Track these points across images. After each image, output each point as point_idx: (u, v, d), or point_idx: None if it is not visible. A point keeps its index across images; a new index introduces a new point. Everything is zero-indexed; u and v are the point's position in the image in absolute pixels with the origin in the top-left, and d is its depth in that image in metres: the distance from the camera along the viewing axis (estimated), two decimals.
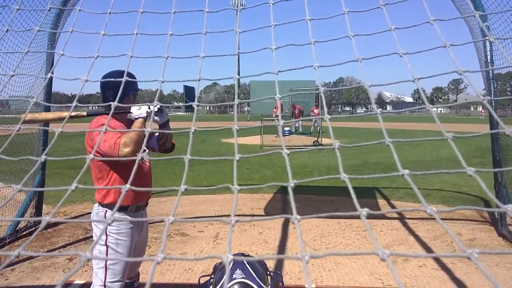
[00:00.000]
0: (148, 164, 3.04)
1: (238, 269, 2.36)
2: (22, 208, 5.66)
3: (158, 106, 2.73)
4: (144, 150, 3.06)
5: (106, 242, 2.72)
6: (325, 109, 1.00)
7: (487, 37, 0.99)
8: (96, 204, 2.87)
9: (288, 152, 0.93)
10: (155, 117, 2.76)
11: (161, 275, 4.32)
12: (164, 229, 0.78)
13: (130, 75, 2.90)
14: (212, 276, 2.65)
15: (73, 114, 2.70)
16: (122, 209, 2.77)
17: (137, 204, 2.87)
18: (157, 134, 2.99)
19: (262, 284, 2.29)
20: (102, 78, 2.84)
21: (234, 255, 2.56)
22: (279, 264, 4.63)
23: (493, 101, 5.32)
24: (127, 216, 2.79)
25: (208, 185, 9.07)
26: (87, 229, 5.93)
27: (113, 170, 2.76)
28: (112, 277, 2.71)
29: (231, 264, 2.45)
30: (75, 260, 4.68)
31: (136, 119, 2.68)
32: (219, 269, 2.62)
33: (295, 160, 12.97)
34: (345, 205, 7.17)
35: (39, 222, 6.03)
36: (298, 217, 0.74)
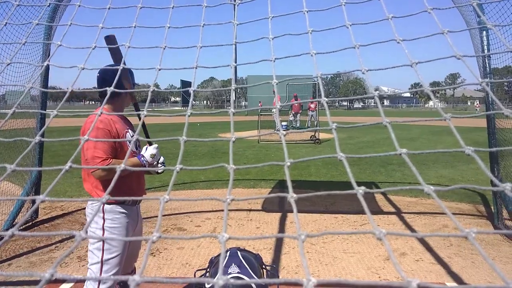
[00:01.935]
0: None
1: (233, 264, 2.36)
2: (19, 201, 5.65)
3: (162, 168, 2.85)
4: (139, 146, 3.06)
5: (103, 235, 2.73)
6: (322, 93, 1.00)
7: (485, 24, 0.98)
8: (90, 202, 2.88)
9: (284, 133, 0.93)
10: (153, 170, 2.84)
11: (158, 270, 4.33)
12: (159, 209, 0.78)
13: (125, 69, 2.88)
14: (208, 269, 2.66)
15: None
16: (119, 203, 2.77)
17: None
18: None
19: (257, 279, 2.29)
20: (98, 73, 2.83)
21: (231, 249, 2.57)
22: (276, 258, 4.64)
23: (490, 96, 5.33)
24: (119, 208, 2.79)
25: (205, 179, 9.07)
26: (84, 224, 5.92)
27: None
28: (108, 272, 2.71)
29: (227, 254, 2.46)
30: (73, 255, 4.68)
31: (139, 158, 2.80)
32: (214, 263, 2.63)
33: (292, 155, 12.98)
34: (342, 199, 7.18)
35: (36, 217, 6.03)
36: (294, 195, 0.74)
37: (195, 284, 2.43)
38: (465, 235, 0.60)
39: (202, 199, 0.91)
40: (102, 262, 2.70)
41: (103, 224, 2.73)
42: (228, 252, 2.52)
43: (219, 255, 2.58)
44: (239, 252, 2.50)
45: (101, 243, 2.71)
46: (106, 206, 2.74)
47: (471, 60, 6.03)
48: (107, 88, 1.10)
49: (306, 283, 0.59)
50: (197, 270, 2.89)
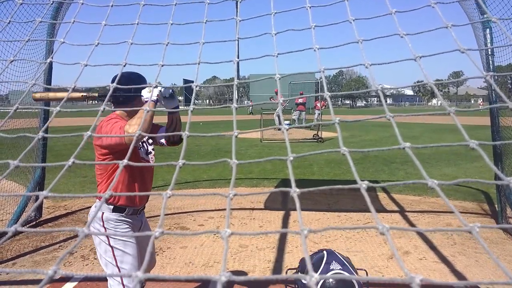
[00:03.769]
0: (151, 167, 2.99)
1: (334, 261, 2.36)
2: (23, 201, 5.67)
3: (170, 91, 2.57)
4: (150, 152, 2.99)
5: (109, 243, 2.67)
6: (325, 87, 1.00)
7: (488, 18, 0.98)
8: (94, 205, 2.86)
9: (287, 127, 0.93)
10: (164, 102, 2.60)
11: (162, 269, 4.33)
12: (162, 205, 0.78)
13: (140, 77, 2.82)
14: (298, 268, 2.68)
15: (84, 94, 2.58)
16: (118, 210, 2.72)
17: (134, 208, 2.80)
18: (164, 126, 2.90)
19: (356, 275, 2.27)
20: (112, 80, 2.72)
21: (326, 249, 2.54)
22: (280, 257, 4.64)
23: (493, 93, 5.31)
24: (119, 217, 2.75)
25: (208, 178, 9.07)
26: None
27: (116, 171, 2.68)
28: (130, 282, 2.63)
29: (324, 253, 2.46)
30: (76, 254, 4.69)
31: (146, 101, 2.53)
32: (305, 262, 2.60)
33: (295, 154, 12.94)
34: (345, 197, 7.17)
35: (40, 216, 6.04)
36: (297, 190, 0.74)
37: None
38: (469, 229, 0.60)
39: (204, 195, 0.91)
40: (118, 268, 2.64)
41: (109, 239, 2.67)
42: (325, 251, 2.51)
43: (311, 255, 2.57)
44: (336, 252, 2.49)
45: (110, 248, 2.65)
46: (106, 215, 2.70)
47: (475, 57, 6.01)
48: (110, 84, 1.10)
49: (309, 279, 0.59)
50: (288, 269, 2.97)
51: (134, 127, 2.35)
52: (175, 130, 2.82)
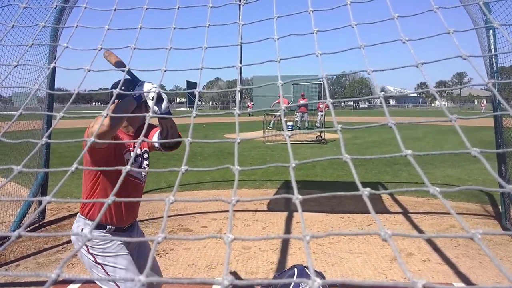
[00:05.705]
0: (143, 184, 2.73)
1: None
2: (26, 203, 5.68)
3: (156, 91, 2.37)
4: (144, 168, 2.72)
5: (96, 261, 2.47)
6: (327, 94, 1.00)
7: (490, 23, 0.98)
8: (75, 221, 2.61)
9: (290, 134, 0.93)
10: (153, 106, 2.45)
11: (165, 270, 4.33)
12: (165, 210, 0.78)
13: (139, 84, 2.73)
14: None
15: (118, 60, 2.40)
16: (98, 227, 2.52)
17: (118, 226, 2.56)
18: (159, 130, 2.62)
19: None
20: (111, 87, 2.58)
21: (297, 265, 2.55)
22: (283, 259, 4.64)
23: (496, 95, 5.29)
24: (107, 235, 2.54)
25: (211, 180, 9.07)
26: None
27: (101, 183, 2.47)
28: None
29: (295, 271, 2.49)
30: (79, 256, 4.70)
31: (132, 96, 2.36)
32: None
33: (298, 156, 12.95)
34: (348, 199, 7.16)
35: (43, 218, 6.06)
36: (300, 196, 0.74)
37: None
38: (471, 236, 0.60)
39: (207, 200, 0.91)
40: (117, 286, 2.45)
41: (94, 256, 2.47)
42: (296, 269, 2.52)
43: (283, 271, 2.60)
44: (307, 269, 2.48)
45: (100, 267, 2.47)
46: (85, 230, 2.47)
47: (478, 58, 6.00)
48: (113, 90, 1.10)
49: (311, 283, 0.59)
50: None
51: (97, 125, 2.08)
52: (167, 138, 2.54)
